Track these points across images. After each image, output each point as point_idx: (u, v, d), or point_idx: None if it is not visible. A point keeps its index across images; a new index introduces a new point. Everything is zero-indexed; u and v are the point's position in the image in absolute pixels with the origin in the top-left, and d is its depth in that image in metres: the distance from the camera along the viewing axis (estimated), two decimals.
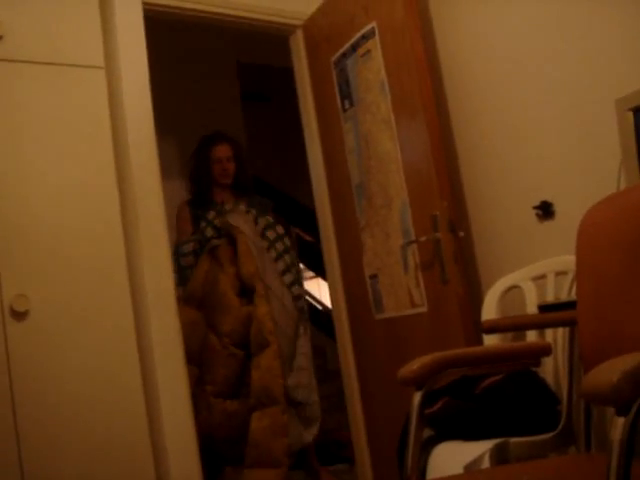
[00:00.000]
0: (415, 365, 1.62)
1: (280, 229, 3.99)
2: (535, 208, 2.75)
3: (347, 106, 3.38)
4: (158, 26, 3.30)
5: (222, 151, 4.12)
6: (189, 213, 4.12)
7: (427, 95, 2.90)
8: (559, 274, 2.56)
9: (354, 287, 3.50)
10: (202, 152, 4.16)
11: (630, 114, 2.20)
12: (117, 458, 2.75)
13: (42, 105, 2.81)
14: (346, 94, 3.38)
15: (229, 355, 3.69)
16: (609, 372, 0.94)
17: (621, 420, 0.94)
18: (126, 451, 2.78)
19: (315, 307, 6.30)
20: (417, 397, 1.62)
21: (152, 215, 2.98)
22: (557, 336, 2.45)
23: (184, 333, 3.10)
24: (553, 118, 2.70)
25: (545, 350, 1.82)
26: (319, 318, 5.79)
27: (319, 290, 6.71)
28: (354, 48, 3.27)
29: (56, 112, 2.83)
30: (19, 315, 2.63)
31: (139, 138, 3.01)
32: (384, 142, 3.12)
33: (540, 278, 2.64)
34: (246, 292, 3.77)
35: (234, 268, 3.80)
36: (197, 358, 3.67)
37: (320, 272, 5.44)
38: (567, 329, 2.16)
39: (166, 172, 3.28)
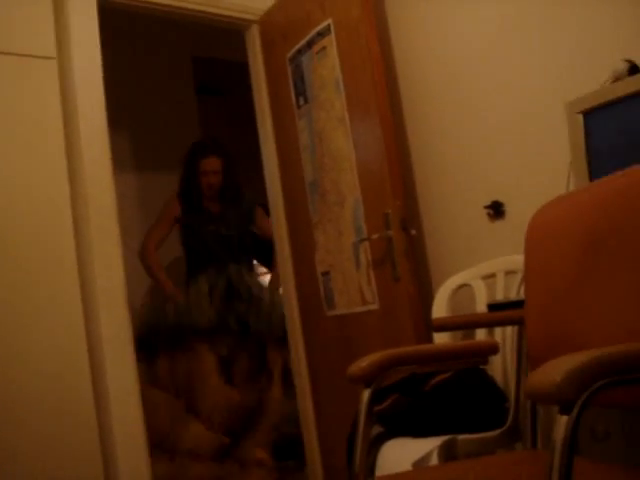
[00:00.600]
0: (364, 363, 1.62)
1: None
2: (486, 208, 2.78)
3: (302, 103, 3.38)
4: (113, 18, 3.25)
5: (210, 164, 4.30)
6: (178, 208, 4.24)
7: (381, 94, 2.91)
8: (509, 273, 2.59)
9: (306, 284, 3.50)
10: (191, 163, 4.32)
11: (580, 117, 2.23)
12: (65, 458, 2.72)
13: None
14: (301, 91, 3.37)
15: None
16: (553, 371, 0.96)
17: (564, 419, 0.95)
18: (74, 451, 2.75)
19: None
20: (366, 394, 1.62)
21: (103, 209, 2.95)
22: (506, 335, 2.48)
23: None
24: (505, 119, 2.73)
25: (493, 349, 1.84)
26: None
27: None
28: (309, 45, 3.27)
29: (6, 102, 2.78)
30: None
31: (91, 130, 2.97)
32: (338, 140, 3.13)
33: (490, 277, 2.67)
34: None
35: None
36: None
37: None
38: (516, 328, 2.19)
39: (119, 166, 3.24)
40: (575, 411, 0.95)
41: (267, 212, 4.33)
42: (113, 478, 2.83)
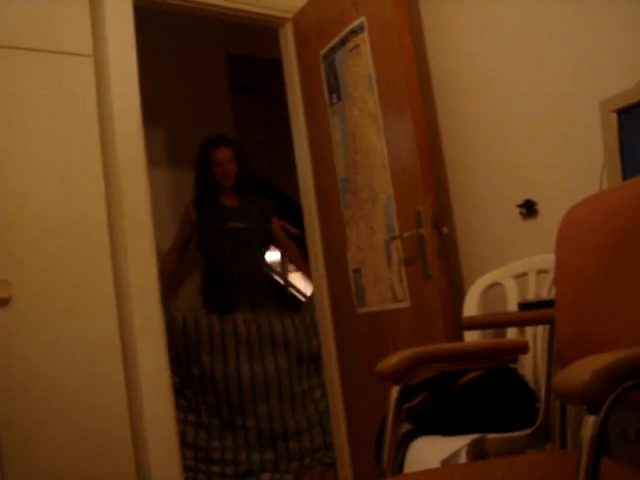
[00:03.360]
0: (394, 360, 1.63)
1: None
2: (519, 206, 2.77)
3: (335, 100, 3.39)
4: (148, 16, 3.29)
5: (222, 154, 4.31)
6: (194, 214, 4.27)
7: (414, 91, 2.91)
8: (540, 272, 2.58)
9: (338, 281, 3.51)
10: (203, 157, 4.35)
11: (614, 116, 2.21)
12: (97, 447, 2.76)
13: (29, 92, 2.80)
14: (334, 88, 3.38)
15: None
16: (581, 371, 0.95)
17: (592, 418, 0.95)
18: (106, 441, 2.78)
19: (299, 300, 6.32)
20: (395, 391, 1.63)
21: (137, 205, 2.98)
22: (537, 334, 2.47)
23: None
24: (539, 118, 2.72)
25: (523, 348, 1.83)
26: None
27: (303, 283, 6.70)
28: (343, 42, 3.27)
29: (43, 99, 2.82)
30: (1, 301, 2.63)
31: (126, 127, 3.00)
32: (370, 137, 3.13)
33: (522, 276, 2.66)
34: None
35: None
36: None
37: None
38: (546, 327, 2.18)
39: (153, 162, 3.28)
40: (603, 411, 0.95)
41: (283, 213, 4.40)
42: (144, 466, 2.86)
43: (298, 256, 4.46)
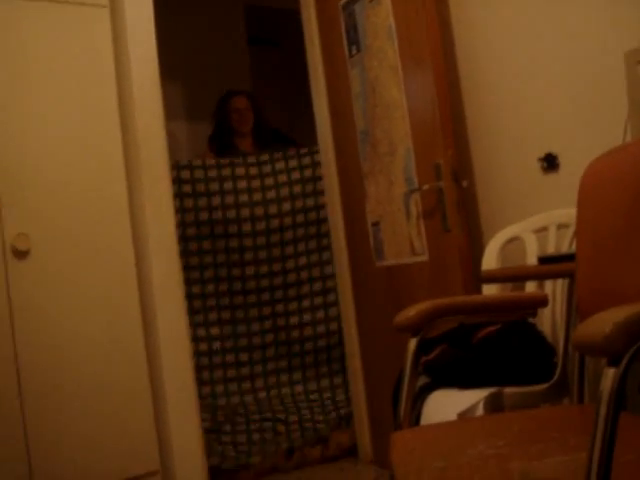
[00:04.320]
0: (411, 312, 1.63)
1: None
2: (540, 160, 2.74)
3: (354, 52, 3.34)
4: None
5: (239, 102, 4.37)
6: (210, 158, 4.30)
7: (435, 42, 2.86)
8: (561, 227, 2.55)
9: (356, 234, 3.51)
10: (221, 105, 4.39)
11: (639, 67, 2.17)
12: (115, 398, 2.79)
13: (45, 43, 2.78)
14: (353, 40, 3.34)
15: None
16: (602, 323, 0.94)
17: (612, 371, 0.94)
18: (126, 395, 2.82)
19: None
20: (412, 343, 1.63)
21: (155, 157, 2.97)
22: (556, 288, 2.46)
23: None
24: (561, 69, 2.67)
25: (542, 301, 1.82)
26: None
27: None
28: None
29: (59, 51, 2.81)
30: (20, 254, 2.65)
31: (143, 79, 2.98)
32: (390, 89, 3.09)
33: (542, 230, 2.63)
34: None
35: None
36: None
37: None
38: (566, 282, 2.16)
39: (170, 114, 3.26)
40: (623, 364, 0.94)
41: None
42: (163, 423, 2.90)
43: None
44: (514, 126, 2.88)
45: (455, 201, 2.80)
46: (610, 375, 0.94)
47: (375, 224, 3.31)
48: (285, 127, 4.87)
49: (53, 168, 2.76)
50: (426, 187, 2.89)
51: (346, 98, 3.43)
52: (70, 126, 2.80)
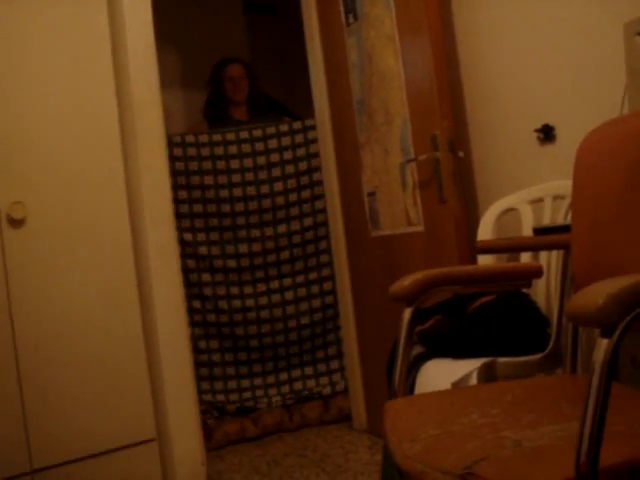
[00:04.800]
0: (407, 281, 1.63)
1: None
2: (536, 131, 2.73)
3: (351, 20, 3.32)
4: None
5: (234, 70, 4.30)
6: (204, 128, 4.27)
7: (432, 11, 2.84)
8: (557, 198, 2.56)
9: (352, 204, 3.51)
10: (215, 73, 4.33)
11: (638, 38, 2.16)
12: (110, 368, 2.81)
13: (39, 11, 2.75)
14: (350, 8, 3.31)
15: None
16: (595, 294, 0.95)
17: (605, 342, 0.95)
18: (120, 362, 2.83)
19: None
20: (407, 313, 1.64)
21: (150, 126, 2.96)
22: (551, 260, 2.47)
23: None
24: (560, 40, 2.65)
25: (536, 272, 1.83)
26: None
27: None
28: None
29: (52, 18, 2.78)
30: (16, 222, 2.65)
31: (138, 46, 2.95)
32: (387, 58, 3.08)
33: (538, 202, 2.64)
34: None
35: None
36: None
37: None
38: (561, 253, 2.17)
39: (166, 82, 3.24)
40: (616, 334, 0.95)
41: None
42: (159, 390, 2.91)
43: None
44: (511, 97, 2.87)
45: (451, 172, 2.80)
46: (603, 346, 0.95)
47: (371, 194, 3.31)
48: (281, 96, 4.84)
49: (49, 137, 2.75)
50: (422, 157, 2.89)
51: (343, 67, 3.42)
52: (65, 94, 2.79)
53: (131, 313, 2.86)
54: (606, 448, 0.94)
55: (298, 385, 4.01)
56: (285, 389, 3.98)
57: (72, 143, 2.79)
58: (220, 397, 3.91)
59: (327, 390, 3.96)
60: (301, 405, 3.90)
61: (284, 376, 4.03)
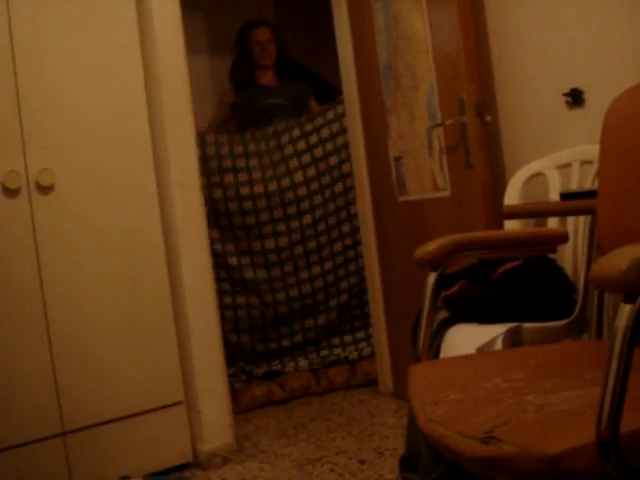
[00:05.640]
0: (431, 246, 1.63)
1: None
2: (565, 95, 2.70)
3: None
4: None
5: (261, 33, 4.28)
6: (231, 95, 4.27)
7: None
8: (584, 163, 2.53)
9: (378, 169, 3.50)
10: (242, 37, 4.32)
11: None
12: (140, 330, 2.84)
13: None
14: None
15: None
16: (619, 259, 0.94)
17: (628, 307, 0.95)
18: (149, 323, 2.86)
19: None
20: (432, 278, 1.64)
21: (176, 92, 2.96)
22: (578, 225, 2.45)
23: None
24: (588, 4, 2.61)
25: (562, 237, 1.82)
26: None
27: None
28: None
29: None
30: (44, 189, 2.67)
31: (164, 11, 2.95)
32: (414, 22, 3.05)
33: (565, 167, 2.61)
34: None
35: None
36: None
37: None
38: (588, 219, 2.15)
39: (192, 48, 3.24)
40: (639, 300, 0.94)
41: (321, 99, 4.33)
42: (187, 354, 2.95)
43: None
44: (539, 60, 2.83)
45: (478, 136, 2.78)
46: (626, 311, 0.95)
47: (397, 159, 3.30)
48: (308, 62, 4.82)
49: (76, 104, 2.76)
50: (449, 122, 2.87)
51: (369, 31, 3.39)
52: (91, 60, 2.79)
53: (159, 277, 2.89)
54: (627, 414, 0.95)
55: (325, 352, 4.04)
56: (312, 356, 4.02)
57: (99, 110, 2.80)
58: (248, 361, 3.97)
59: (354, 355, 3.99)
60: (328, 369, 3.93)
61: (312, 347, 4.07)
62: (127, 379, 2.80)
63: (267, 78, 4.32)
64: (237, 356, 3.97)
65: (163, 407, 2.88)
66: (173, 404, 2.90)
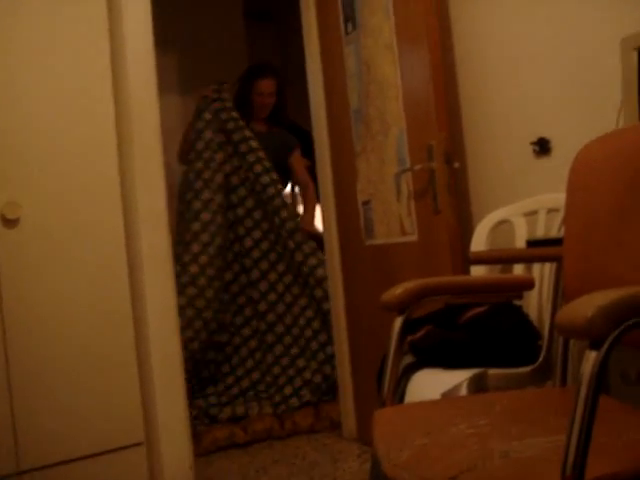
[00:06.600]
0: (398, 290, 1.63)
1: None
2: (532, 144, 2.74)
3: (350, 29, 3.33)
4: None
5: (265, 86, 4.35)
6: None
7: (432, 23, 2.84)
8: (551, 211, 2.56)
9: (347, 212, 3.51)
10: (247, 82, 4.37)
11: (634, 54, 2.17)
12: (102, 368, 2.80)
13: (36, 9, 2.75)
14: (350, 17, 3.32)
15: None
16: (585, 306, 0.95)
17: (593, 354, 0.95)
18: (112, 361, 2.82)
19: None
20: (398, 322, 1.64)
21: (147, 129, 2.95)
22: (544, 272, 2.47)
23: None
24: (557, 54, 2.66)
25: (528, 284, 1.83)
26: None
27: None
28: None
29: (53, 18, 2.78)
30: (10, 222, 2.64)
31: (138, 50, 2.95)
32: (385, 67, 3.09)
33: (531, 214, 2.64)
34: None
35: None
36: None
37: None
38: (553, 266, 2.17)
39: (164, 87, 3.24)
40: (605, 347, 0.95)
41: (307, 154, 4.36)
42: (149, 394, 2.90)
43: (312, 197, 4.43)
44: (508, 109, 2.88)
45: (446, 182, 2.80)
46: (591, 358, 0.95)
47: (366, 203, 3.32)
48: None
49: (45, 137, 2.74)
50: (418, 167, 2.89)
51: (341, 76, 3.42)
52: (62, 93, 2.78)
53: (123, 316, 2.85)
54: (592, 461, 0.95)
55: (288, 390, 4.03)
56: (276, 397, 3.99)
57: (68, 144, 2.78)
58: (212, 404, 3.94)
59: (315, 398, 3.97)
60: (292, 413, 3.90)
61: (273, 388, 4.06)
62: (87, 418, 2.75)
63: (257, 124, 4.37)
64: (199, 395, 3.95)
65: (123, 448, 2.82)
66: (133, 445, 2.85)
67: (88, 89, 2.83)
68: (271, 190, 4.13)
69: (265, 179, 4.13)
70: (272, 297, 4.18)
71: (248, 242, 4.18)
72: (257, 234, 4.18)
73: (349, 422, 3.65)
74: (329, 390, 4.01)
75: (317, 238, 4.11)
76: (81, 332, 2.76)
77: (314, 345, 4.11)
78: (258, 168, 4.14)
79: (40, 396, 2.66)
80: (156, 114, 2.98)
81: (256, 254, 4.18)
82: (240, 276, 4.19)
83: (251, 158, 4.13)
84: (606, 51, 2.41)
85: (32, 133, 2.72)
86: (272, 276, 4.18)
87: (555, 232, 2.47)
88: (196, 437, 3.51)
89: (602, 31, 2.47)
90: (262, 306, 4.19)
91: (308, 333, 4.14)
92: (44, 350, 2.68)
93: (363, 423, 3.51)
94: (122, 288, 2.86)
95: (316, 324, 4.13)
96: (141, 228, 2.90)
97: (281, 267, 4.18)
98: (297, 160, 4.47)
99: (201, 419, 3.81)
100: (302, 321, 4.16)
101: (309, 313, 4.15)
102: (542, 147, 2.71)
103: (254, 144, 4.14)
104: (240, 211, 4.18)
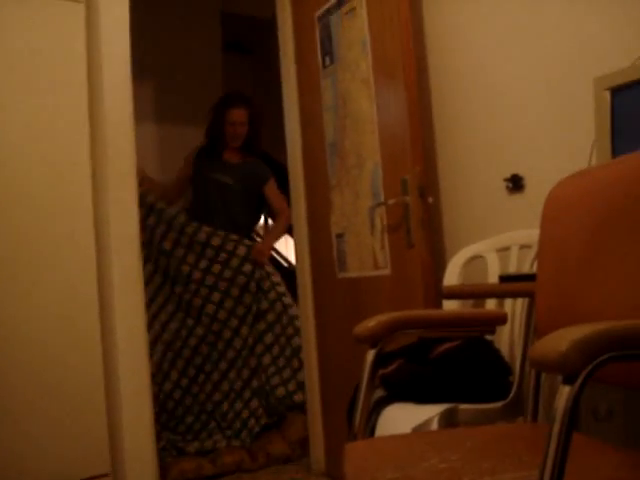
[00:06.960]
0: (371, 323, 1.63)
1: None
2: (505, 180, 2.76)
3: (327, 63, 3.35)
4: None
5: (237, 115, 4.34)
6: (190, 165, 4.35)
7: (408, 58, 2.87)
8: (523, 247, 2.57)
9: (320, 245, 3.51)
10: (219, 111, 4.37)
11: (607, 93, 2.19)
12: (68, 398, 2.75)
13: (16, 36, 2.75)
14: (327, 51, 3.35)
15: None
16: (559, 340, 0.95)
17: (567, 389, 0.95)
18: (78, 392, 2.78)
19: (281, 264, 6.33)
20: (370, 355, 1.63)
21: (122, 157, 2.95)
22: (516, 308, 2.48)
23: None
24: (530, 93, 2.70)
25: (500, 319, 1.83)
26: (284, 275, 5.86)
27: (286, 247, 6.70)
28: (339, 5, 3.23)
29: (31, 44, 2.77)
30: None
31: (114, 77, 2.95)
32: (361, 102, 3.11)
33: (504, 250, 2.65)
34: None
35: None
36: None
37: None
38: (526, 302, 2.18)
39: (140, 116, 3.24)
40: (578, 382, 0.95)
41: (280, 185, 4.37)
42: (115, 425, 2.86)
43: (282, 223, 4.43)
44: (482, 145, 2.90)
45: (420, 217, 2.81)
46: (565, 393, 0.95)
47: (339, 236, 3.32)
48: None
49: (16, 162, 2.72)
50: (392, 201, 2.90)
51: (317, 109, 3.44)
52: (37, 120, 2.77)
53: (91, 345, 2.82)
54: None
55: (245, 414, 4.01)
56: (244, 434, 3.96)
57: (39, 169, 2.76)
58: (179, 437, 3.90)
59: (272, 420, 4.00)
60: (266, 444, 3.87)
61: (237, 422, 4.04)
62: (52, 447, 2.70)
63: (230, 154, 4.37)
64: (166, 427, 3.91)
65: (89, 479, 2.77)
66: (100, 476, 2.80)
67: (64, 115, 2.82)
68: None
69: None
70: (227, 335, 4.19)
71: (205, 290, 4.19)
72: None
73: (318, 456, 3.62)
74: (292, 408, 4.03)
75: (264, 268, 4.18)
76: (47, 361, 2.72)
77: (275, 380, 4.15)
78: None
79: (3, 424, 2.61)
80: (131, 140, 2.97)
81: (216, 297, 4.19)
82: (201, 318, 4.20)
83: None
84: (580, 90, 2.44)
85: (3, 156, 2.70)
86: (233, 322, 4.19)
87: (527, 268, 2.48)
88: (163, 468, 3.46)
89: (576, 70, 2.50)
90: (220, 345, 4.19)
91: (272, 370, 4.17)
92: (8, 378, 2.64)
93: (332, 458, 3.48)
94: (91, 316, 2.83)
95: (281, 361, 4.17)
96: (113, 258, 2.88)
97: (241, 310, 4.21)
98: (271, 188, 4.45)
99: (169, 451, 3.76)
100: (267, 359, 4.18)
101: (275, 350, 4.19)
102: (515, 184, 2.73)
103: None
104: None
